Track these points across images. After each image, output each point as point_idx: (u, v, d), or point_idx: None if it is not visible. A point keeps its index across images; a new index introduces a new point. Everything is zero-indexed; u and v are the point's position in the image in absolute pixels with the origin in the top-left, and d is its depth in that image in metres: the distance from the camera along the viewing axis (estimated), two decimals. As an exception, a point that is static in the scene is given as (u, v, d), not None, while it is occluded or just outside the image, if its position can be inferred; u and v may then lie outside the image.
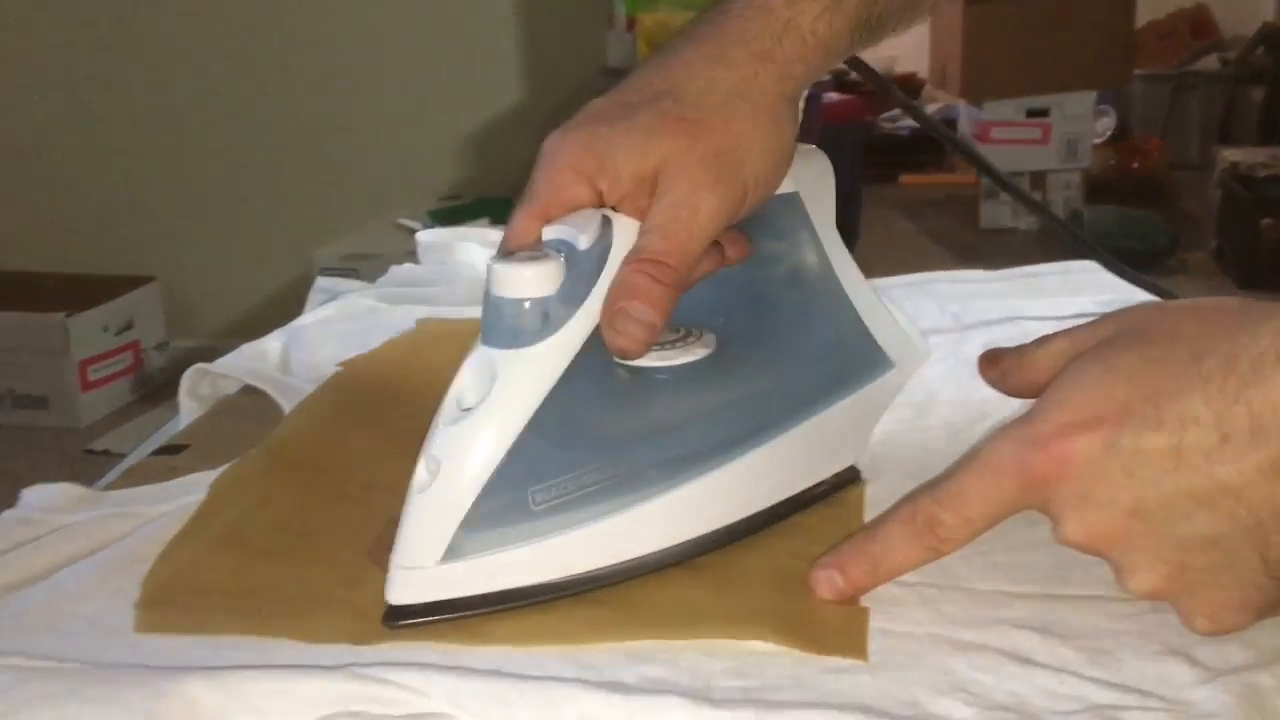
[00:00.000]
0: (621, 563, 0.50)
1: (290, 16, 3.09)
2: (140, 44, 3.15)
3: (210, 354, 0.82)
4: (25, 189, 3.33)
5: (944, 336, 0.79)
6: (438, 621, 0.48)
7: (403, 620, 0.48)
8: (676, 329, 0.56)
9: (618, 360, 0.51)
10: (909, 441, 0.64)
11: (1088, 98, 1.94)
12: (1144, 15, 2.22)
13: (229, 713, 0.42)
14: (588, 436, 0.50)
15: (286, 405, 0.71)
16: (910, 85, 2.46)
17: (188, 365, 0.78)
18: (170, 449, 0.70)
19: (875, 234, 1.86)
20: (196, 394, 0.78)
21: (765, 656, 0.45)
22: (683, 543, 0.52)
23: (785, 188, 0.54)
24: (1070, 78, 1.95)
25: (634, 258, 0.48)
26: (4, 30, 3.20)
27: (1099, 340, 0.47)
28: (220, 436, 0.70)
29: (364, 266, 2.34)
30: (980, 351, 0.75)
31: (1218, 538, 0.42)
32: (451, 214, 2.71)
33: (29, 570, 0.54)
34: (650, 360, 0.53)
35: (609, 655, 0.45)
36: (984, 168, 0.84)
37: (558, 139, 0.51)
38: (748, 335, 0.58)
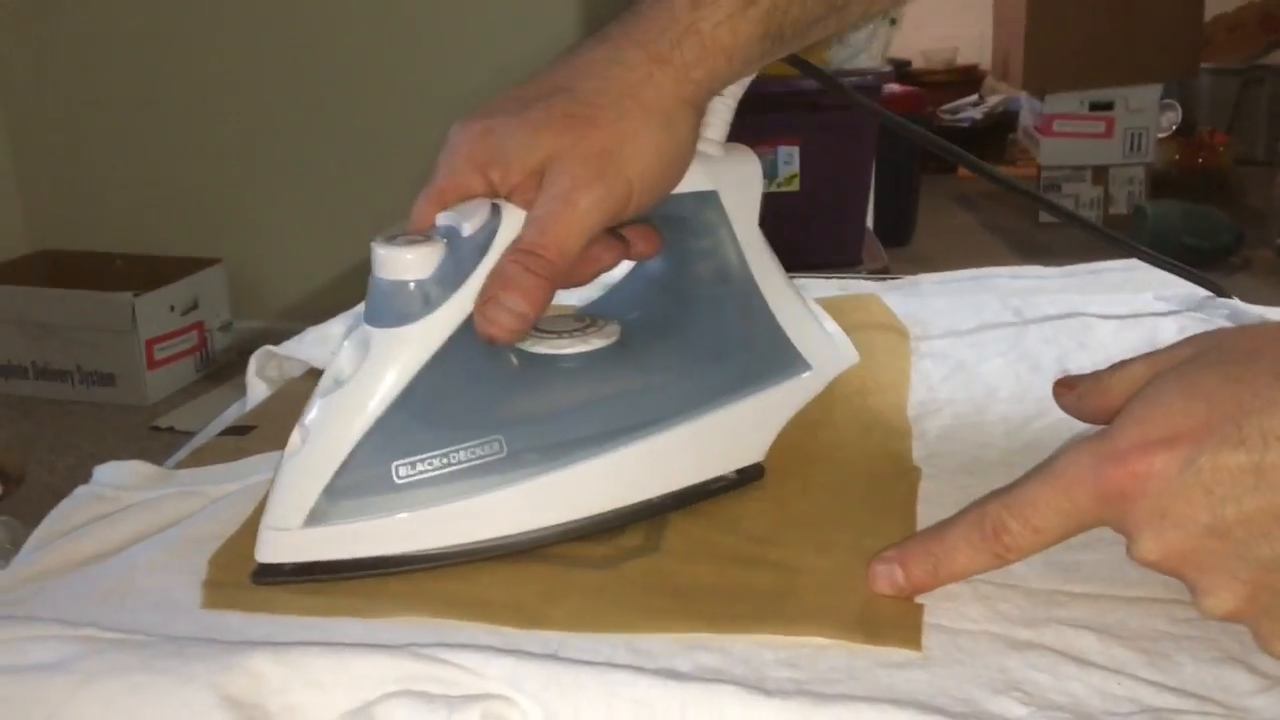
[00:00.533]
0: (485, 540, 0.52)
1: (356, 5, 3.12)
2: (211, 27, 3.20)
3: (273, 335, 0.83)
4: (97, 173, 3.39)
5: (1004, 330, 0.78)
6: (301, 582, 0.50)
7: (269, 579, 0.50)
8: (581, 318, 0.58)
9: (515, 346, 0.53)
10: (966, 437, 0.64)
11: (1153, 91, 1.92)
12: (1212, 8, 2.18)
13: (292, 687, 0.43)
14: (463, 417, 0.52)
15: (350, 389, 0.72)
16: (971, 77, 2.44)
17: (251, 346, 0.80)
18: (237, 429, 0.71)
19: (933, 226, 1.85)
20: (263, 375, 0.80)
21: (819, 648, 0.45)
22: (556, 525, 0.53)
23: (703, 185, 0.56)
24: (1135, 70, 1.92)
25: (512, 249, 0.50)
26: (75, 15, 3.26)
27: (1178, 362, 0.47)
28: (286, 419, 0.71)
29: (423, 251, 2.36)
30: (1039, 345, 0.75)
31: None
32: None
33: (102, 545, 0.55)
34: (544, 347, 0.55)
35: (663, 642, 0.46)
36: (985, 172, 0.82)
37: (459, 127, 0.53)
38: (653, 329, 0.59)
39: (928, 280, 0.91)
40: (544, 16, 3.06)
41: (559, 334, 0.56)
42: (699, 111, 0.54)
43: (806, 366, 0.59)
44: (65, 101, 3.35)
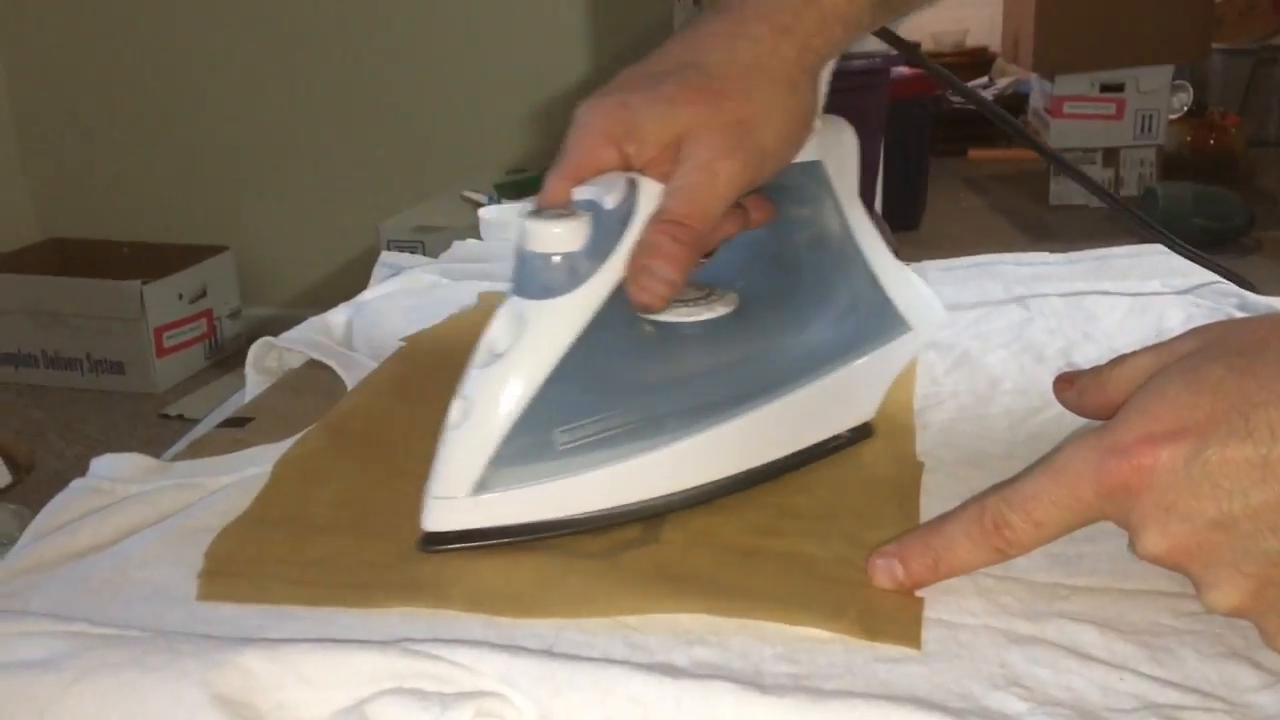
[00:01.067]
0: (639, 502, 0.54)
1: (361, -12, 3.11)
2: (220, 16, 3.19)
3: (281, 322, 0.83)
4: (105, 161, 3.40)
5: (1009, 321, 0.78)
6: (470, 549, 0.52)
7: (437, 546, 0.52)
8: (701, 287, 0.60)
9: (643, 315, 0.56)
10: (969, 429, 0.63)
11: (1164, 72, 1.90)
12: (1226, -13, 2.16)
13: (284, 685, 0.42)
14: (611, 384, 0.54)
15: (349, 380, 0.72)
16: (982, 59, 2.42)
17: (259, 333, 0.79)
18: (236, 421, 0.71)
19: (943, 208, 1.83)
20: (262, 366, 0.79)
21: (817, 643, 0.45)
22: (698, 486, 0.55)
23: (809, 156, 0.58)
24: (1146, 52, 1.90)
25: (657, 219, 0.51)
26: (83, 4, 3.25)
27: (1181, 354, 0.46)
28: (285, 410, 0.71)
29: (430, 238, 2.36)
30: (1044, 336, 0.74)
31: None
32: (517, 187, 2.71)
33: (96, 537, 0.55)
34: (674, 316, 0.57)
35: (660, 636, 0.45)
36: (1037, 146, 0.82)
37: (589, 106, 0.54)
38: (769, 295, 0.61)
39: (933, 267, 0.90)
40: (548, 14, 3.05)
41: (685, 303, 0.58)
42: (816, 79, 0.56)
43: (907, 327, 0.62)
44: (73, 90, 3.35)
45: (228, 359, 3.23)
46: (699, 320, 0.58)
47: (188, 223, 3.38)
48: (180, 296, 3.15)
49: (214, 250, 3.30)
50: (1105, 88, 1.88)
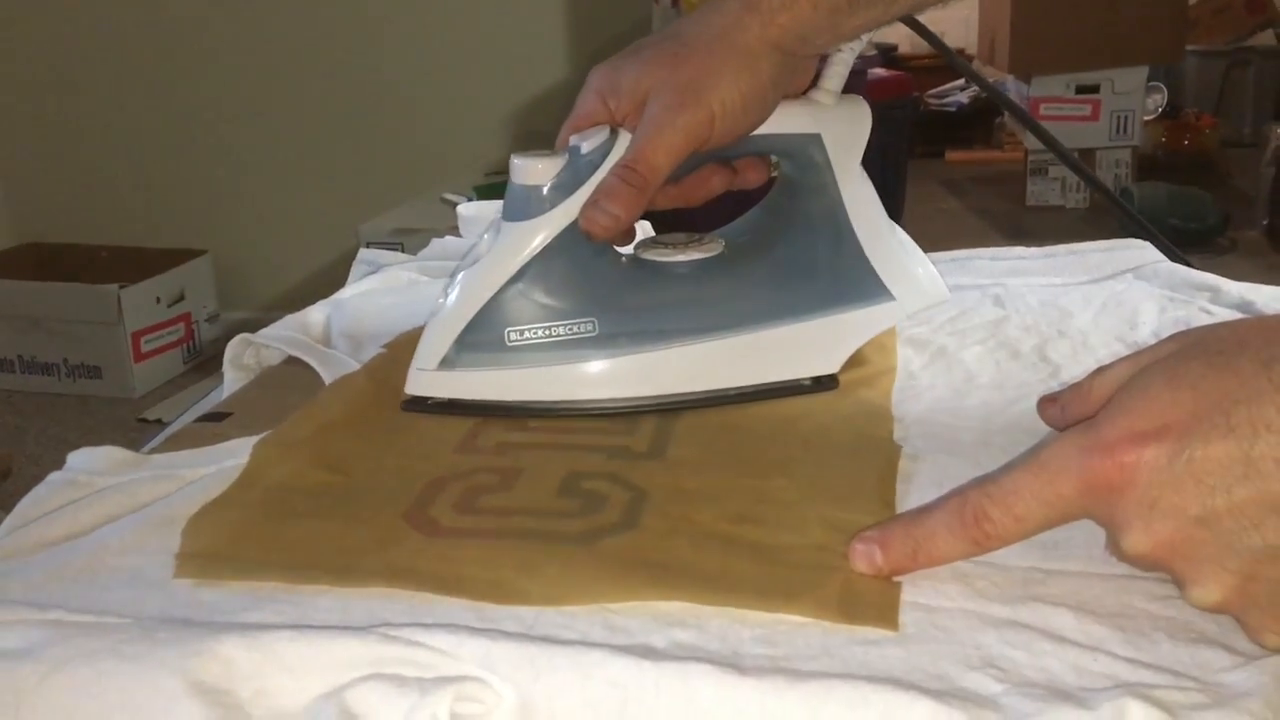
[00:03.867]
0: (576, 400, 0.64)
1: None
2: (198, 21, 3.18)
3: (259, 325, 0.83)
4: (81, 164, 3.38)
5: (984, 317, 0.78)
6: (439, 414, 0.64)
7: (414, 409, 0.65)
8: (691, 235, 0.68)
9: (628, 253, 0.67)
10: (946, 420, 0.64)
11: (1139, 73, 1.91)
12: (1199, -10, 2.18)
13: (264, 673, 0.42)
14: (565, 299, 0.64)
15: (327, 376, 0.72)
16: (959, 61, 2.43)
17: (238, 335, 0.79)
18: (214, 416, 0.70)
19: (922, 209, 1.84)
20: (240, 364, 0.79)
21: (795, 625, 0.45)
22: (635, 398, 0.65)
23: (807, 128, 0.66)
24: (1121, 53, 1.92)
25: (615, 164, 0.61)
26: (60, 7, 3.24)
27: (1161, 357, 0.46)
28: (263, 405, 0.71)
29: (409, 241, 2.36)
30: (1019, 333, 0.75)
31: None
32: (495, 189, 2.71)
33: (74, 527, 0.55)
34: (655, 255, 0.67)
35: (639, 619, 0.46)
36: (1044, 138, 0.84)
37: (596, 68, 0.64)
38: (753, 249, 0.68)
39: (909, 262, 0.90)
40: (526, 17, 3.05)
41: (669, 245, 0.67)
42: (785, 53, 0.61)
43: (889, 297, 0.67)
44: (50, 94, 3.33)
45: (206, 363, 3.22)
46: (673, 260, 0.66)
47: (166, 226, 3.36)
48: (158, 300, 3.13)
49: (192, 254, 3.28)
50: (1081, 89, 1.90)
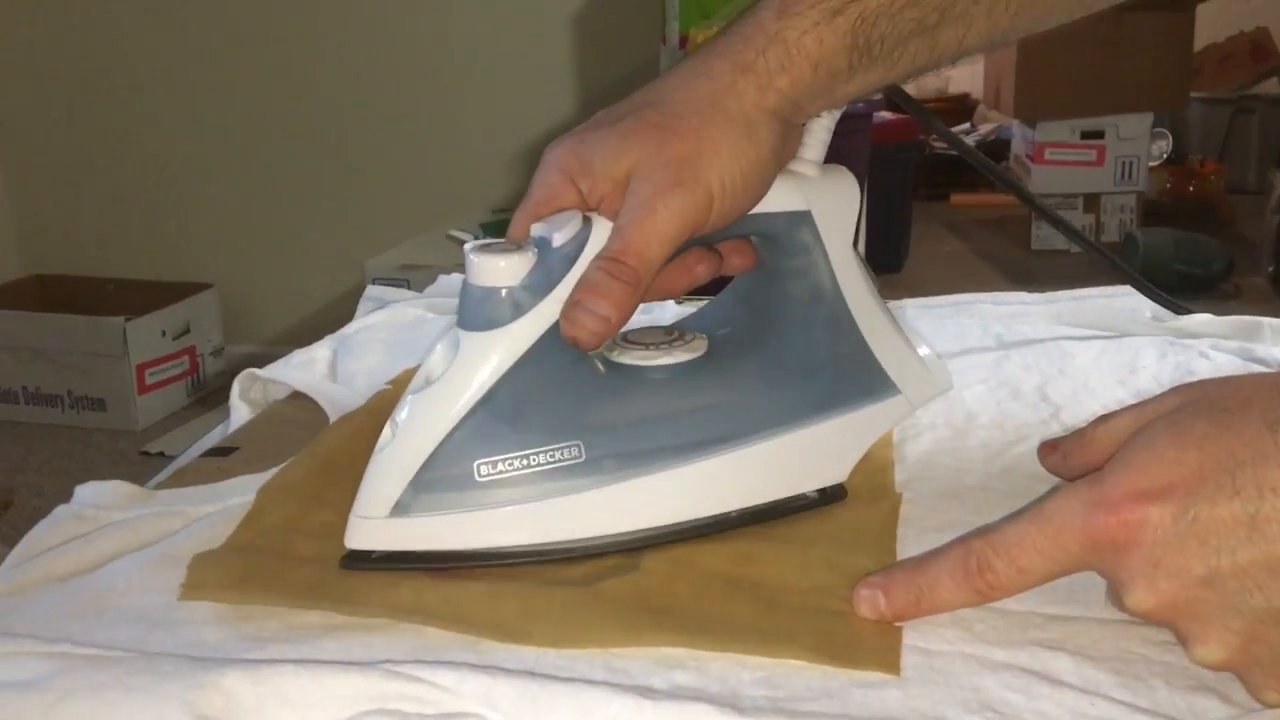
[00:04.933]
0: (561, 542, 0.54)
1: (348, 32, 3.13)
2: (202, 57, 3.21)
3: (265, 360, 0.83)
4: (89, 197, 3.40)
5: (985, 356, 0.79)
6: (388, 569, 0.52)
7: (357, 565, 0.53)
8: (669, 331, 0.59)
9: (602, 356, 0.56)
10: (946, 462, 0.64)
11: (1144, 120, 1.92)
12: (1202, 38, 2.20)
13: (266, 707, 0.43)
14: (544, 420, 0.53)
15: (333, 413, 0.72)
16: (964, 105, 2.45)
17: (242, 370, 0.80)
18: (220, 451, 0.71)
19: (926, 252, 1.85)
20: (247, 398, 0.80)
21: (795, 667, 0.45)
22: (631, 531, 0.54)
23: (796, 205, 0.57)
24: (1126, 100, 1.93)
25: (597, 256, 0.51)
26: (68, 41, 3.27)
27: (1165, 411, 0.46)
28: (268, 441, 0.72)
29: (416, 277, 2.37)
30: (1020, 372, 0.75)
31: None
32: (502, 226, 2.69)
33: (79, 562, 0.55)
34: (631, 358, 0.57)
35: (639, 660, 0.46)
36: (1022, 195, 0.85)
37: (553, 144, 0.54)
38: (741, 345, 0.60)
39: (912, 305, 0.91)
40: (534, 55, 3.07)
41: (646, 345, 0.57)
42: (785, 123, 0.54)
43: (895, 391, 0.59)
44: (58, 127, 3.36)
45: (209, 396, 3.22)
46: (658, 364, 0.56)
47: (173, 260, 3.38)
48: (163, 333, 3.14)
49: (198, 287, 3.30)
50: (1086, 134, 1.91)
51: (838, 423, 0.58)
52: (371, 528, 0.53)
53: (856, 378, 0.59)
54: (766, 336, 0.60)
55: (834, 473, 0.59)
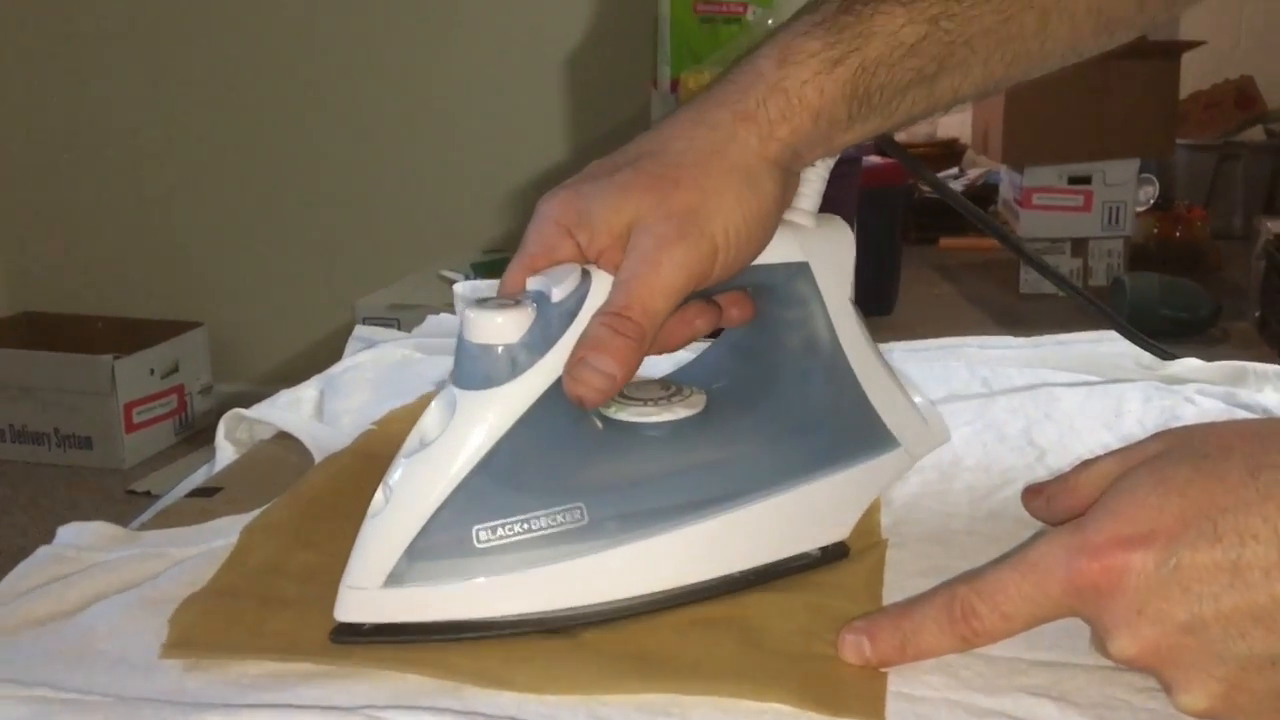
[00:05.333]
0: (564, 609, 0.51)
1: (340, 71, 3.15)
2: (192, 96, 3.22)
3: (253, 398, 0.83)
4: (79, 235, 3.40)
5: (971, 401, 0.79)
6: (382, 643, 0.50)
7: (348, 638, 0.50)
8: (668, 386, 0.57)
9: (600, 412, 0.54)
10: (932, 506, 0.64)
11: (1130, 166, 1.94)
12: (1188, 85, 2.22)
13: (246, 753, 0.42)
14: (545, 482, 0.51)
15: (318, 453, 0.72)
16: (952, 150, 2.46)
17: (230, 409, 0.80)
18: (204, 491, 0.71)
19: (916, 295, 1.86)
20: (232, 438, 0.79)
21: (779, 713, 0.45)
22: (636, 596, 0.52)
23: (794, 256, 0.56)
24: (1113, 145, 1.95)
25: (600, 311, 0.50)
26: (56, 80, 3.28)
27: (1147, 457, 0.47)
28: (253, 481, 0.71)
29: (406, 316, 2.37)
30: (1006, 415, 0.76)
31: (1275, 658, 0.41)
32: (493, 266, 2.73)
33: (60, 605, 0.55)
34: (629, 415, 0.55)
35: (622, 707, 0.45)
36: (1007, 241, 0.85)
37: (547, 196, 0.53)
38: (739, 399, 0.58)
39: (899, 349, 0.91)
40: (526, 97, 3.09)
41: (644, 401, 0.56)
42: (786, 171, 0.53)
43: (895, 444, 0.58)
44: (48, 164, 3.36)
45: (197, 435, 3.21)
46: (657, 421, 0.55)
47: (162, 298, 3.38)
48: (152, 372, 3.13)
49: (188, 325, 3.29)
50: (1073, 180, 1.92)
51: (839, 478, 0.57)
52: (364, 599, 0.50)
53: (856, 431, 0.58)
54: (765, 390, 0.59)
55: (836, 530, 0.58)
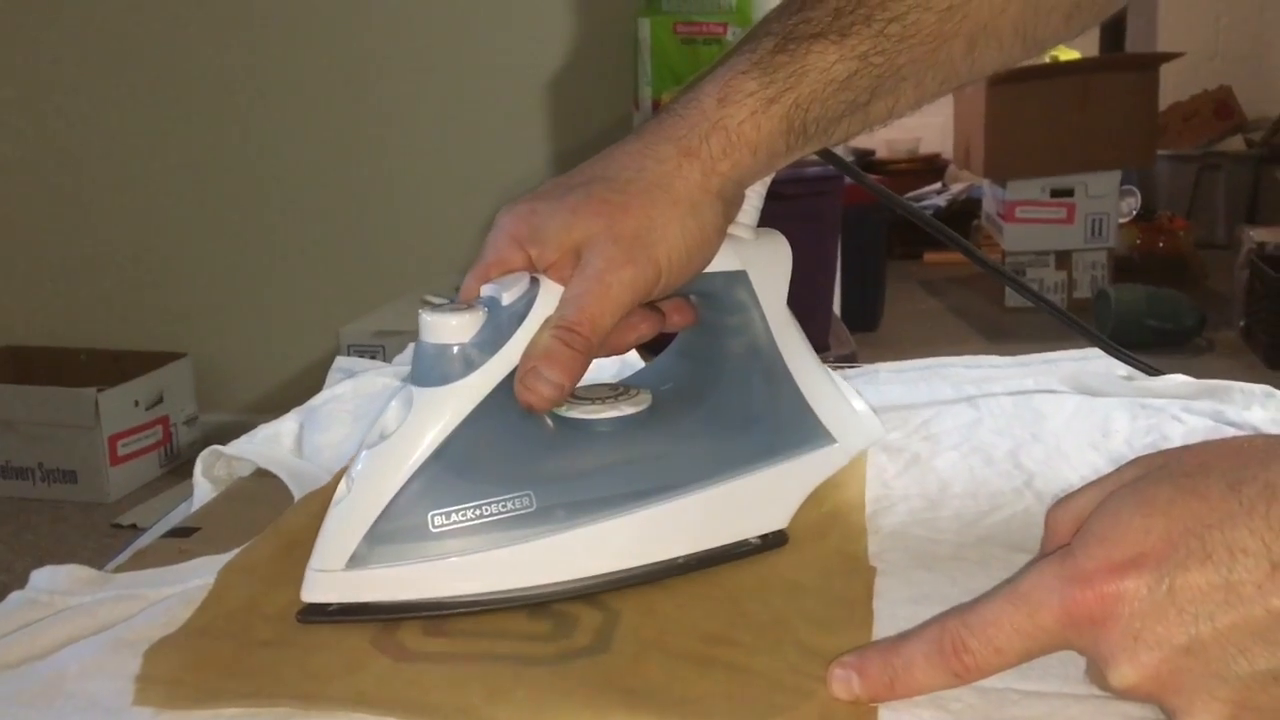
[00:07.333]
0: (514, 590, 0.55)
1: (321, 96, 3.15)
2: (174, 124, 3.21)
3: (238, 429, 0.82)
4: (60, 267, 3.38)
5: (958, 423, 0.78)
6: (345, 621, 0.54)
7: (315, 617, 0.54)
8: (615, 386, 0.62)
9: (550, 411, 0.58)
10: (920, 533, 0.63)
11: (1112, 177, 1.95)
12: (1168, 97, 2.23)
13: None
14: (496, 472, 0.56)
15: (297, 490, 0.71)
16: (934, 166, 2.47)
17: (215, 440, 0.79)
18: (181, 531, 0.69)
19: (901, 310, 1.86)
20: (210, 475, 0.78)
21: (767, 753, 0.44)
22: (583, 578, 0.56)
23: (733, 266, 0.61)
24: (1094, 158, 1.96)
25: (551, 323, 0.54)
26: (37, 110, 3.27)
27: (1125, 482, 0.46)
28: (231, 520, 0.70)
29: (391, 343, 2.35)
30: (993, 438, 0.75)
31: (1278, 673, 0.40)
32: (478, 291, 2.72)
33: (31, 650, 0.53)
34: (578, 412, 0.59)
35: (607, 750, 0.45)
36: (973, 255, 0.85)
37: (504, 210, 0.58)
38: (683, 398, 0.63)
39: (884, 369, 0.91)
40: (508, 118, 3.09)
41: (593, 400, 0.60)
42: (726, 201, 0.58)
43: (831, 440, 0.63)
44: (29, 195, 3.35)
45: (183, 466, 3.19)
46: (603, 417, 0.59)
47: (146, 329, 3.36)
48: (136, 403, 3.11)
49: (172, 356, 3.27)
50: (1056, 192, 1.93)
51: (777, 470, 0.61)
52: (328, 580, 0.54)
53: (794, 427, 0.62)
54: (707, 390, 0.63)
55: (775, 519, 0.61)
